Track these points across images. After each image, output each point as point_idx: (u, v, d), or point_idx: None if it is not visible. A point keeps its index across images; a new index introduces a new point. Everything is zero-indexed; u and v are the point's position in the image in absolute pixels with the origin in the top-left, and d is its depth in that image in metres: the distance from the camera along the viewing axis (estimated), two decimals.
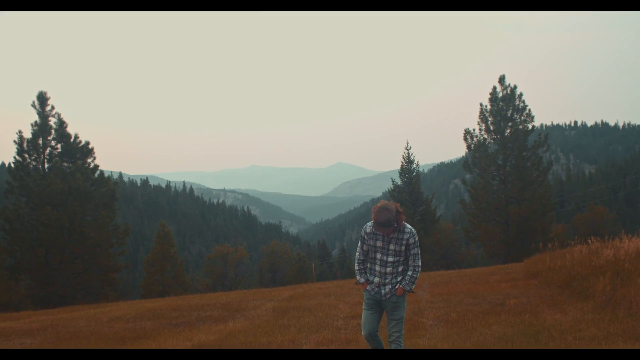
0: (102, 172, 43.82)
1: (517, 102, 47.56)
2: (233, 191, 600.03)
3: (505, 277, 21.24)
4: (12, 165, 41.65)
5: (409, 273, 8.46)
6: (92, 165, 42.94)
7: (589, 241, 20.30)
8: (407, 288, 8.43)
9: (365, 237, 8.59)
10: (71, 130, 42.66)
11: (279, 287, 33.31)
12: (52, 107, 42.03)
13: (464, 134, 49.48)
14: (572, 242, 22.92)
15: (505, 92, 48.04)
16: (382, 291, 8.49)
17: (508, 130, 47.35)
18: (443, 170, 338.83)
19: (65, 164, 41.92)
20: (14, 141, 41.10)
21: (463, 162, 51.70)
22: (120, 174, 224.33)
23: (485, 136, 48.65)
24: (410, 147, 54.99)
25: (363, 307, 8.74)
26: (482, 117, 48.64)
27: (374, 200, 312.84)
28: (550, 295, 15.31)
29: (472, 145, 49.01)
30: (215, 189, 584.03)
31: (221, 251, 55.95)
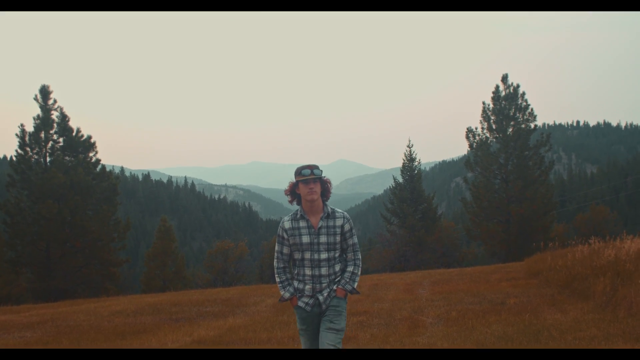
0: (103, 167, 43.80)
1: (519, 101, 47.60)
2: (234, 187, 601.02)
3: (506, 276, 21.29)
4: (14, 158, 41.62)
5: (349, 269, 6.79)
6: (94, 159, 42.96)
7: (590, 241, 20.31)
8: (349, 287, 6.71)
9: (285, 236, 6.77)
10: (73, 124, 42.72)
11: None
12: (55, 101, 42.08)
13: (466, 132, 49.52)
14: (573, 242, 22.92)
15: (508, 91, 48.07)
16: (321, 297, 6.67)
17: (510, 129, 47.40)
18: (445, 168, 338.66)
19: (67, 157, 41.93)
20: (16, 134, 41.13)
21: (465, 161, 51.74)
22: (122, 169, 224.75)
23: (488, 135, 48.69)
24: (412, 145, 54.96)
25: (299, 329, 6.84)
26: (485, 115, 48.65)
27: (375, 198, 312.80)
28: (551, 295, 15.34)
29: (474, 144, 49.03)
30: (216, 185, 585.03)
31: (222, 247, 55.95)
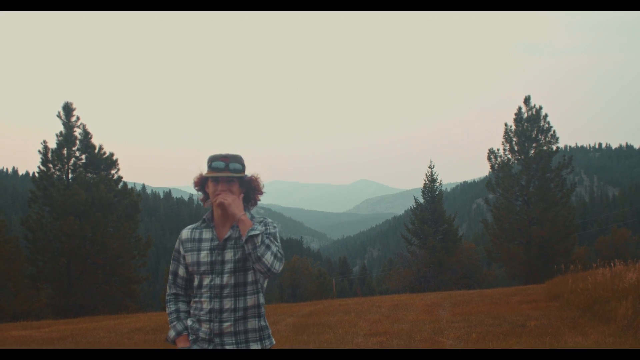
0: (125, 184, 43.91)
1: (542, 123, 47.38)
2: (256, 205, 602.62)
3: (527, 299, 21.12)
4: (36, 174, 41.78)
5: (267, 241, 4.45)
6: (115, 176, 43.06)
7: (612, 264, 20.19)
8: (254, 232, 4.38)
9: (182, 250, 4.80)
10: (96, 141, 42.89)
11: (299, 303, 33.24)
12: (78, 118, 42.22)
13: (488, 153, 49.37)
14: (595, 265, 22.80)
15: (530, 112, 47.89)
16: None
17: (532, 151, 47.18)
18: (466, 189, 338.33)
19: (89, 174, 42.06)
20: (39, 151, 41.28)
21: (486, 182, 51.51)
22: (144, 186, 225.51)
23: (509, 156, 48.49)
24: (433, 166, 55.00)
25: None
26: (507, 137, 48.49)
27: (396, 218, 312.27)
28: (572, 318, 15.21)
29: (496, 165, 48.87)
30: None
31: None
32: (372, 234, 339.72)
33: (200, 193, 4.87)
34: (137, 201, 43.87)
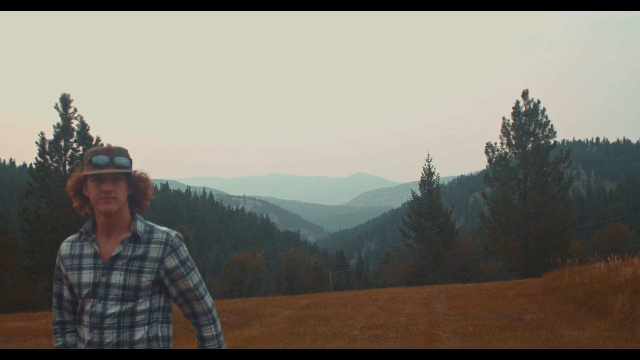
0: None
1: (539, 117, 47.30)
2: (253, 198, 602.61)
3: (523, 292, 21.09)
4: (34, 166, 41.71)
5: (208, 331, 3.98)
6: None
7: (608, 258, 20.18)
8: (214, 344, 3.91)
9: (63, 268, 3.69)
10: (93, 133, 42.77)
11: (296, 296, 33.19)
12: (75, 110, 42.16)
13: (486, 147, 49.30)
14: (591, 259, 22.79)
15: (528, 106, 47.81)
16: None
17: (530, 145, 47.11)
18: (463, 183, 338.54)
19: None
20: (36, 142, 41.19)
21: (484, 176, 51.50)
22: None
23: (507, 150, 48.41)
24: (431, 159, 54.94)
25: None
26: (504, 131, 48.41)
27: (393, 211, 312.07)
28: (568, 312, 15.20)
29: (494, 159, 48.82)
30: (234, 196, 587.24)
31: (239, 257, 55.83)
32: (369, 227, 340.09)
33: (74, 199, 3.71)
34: None
